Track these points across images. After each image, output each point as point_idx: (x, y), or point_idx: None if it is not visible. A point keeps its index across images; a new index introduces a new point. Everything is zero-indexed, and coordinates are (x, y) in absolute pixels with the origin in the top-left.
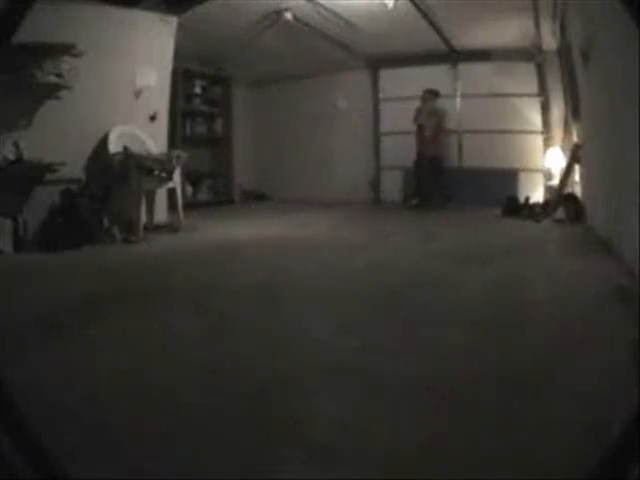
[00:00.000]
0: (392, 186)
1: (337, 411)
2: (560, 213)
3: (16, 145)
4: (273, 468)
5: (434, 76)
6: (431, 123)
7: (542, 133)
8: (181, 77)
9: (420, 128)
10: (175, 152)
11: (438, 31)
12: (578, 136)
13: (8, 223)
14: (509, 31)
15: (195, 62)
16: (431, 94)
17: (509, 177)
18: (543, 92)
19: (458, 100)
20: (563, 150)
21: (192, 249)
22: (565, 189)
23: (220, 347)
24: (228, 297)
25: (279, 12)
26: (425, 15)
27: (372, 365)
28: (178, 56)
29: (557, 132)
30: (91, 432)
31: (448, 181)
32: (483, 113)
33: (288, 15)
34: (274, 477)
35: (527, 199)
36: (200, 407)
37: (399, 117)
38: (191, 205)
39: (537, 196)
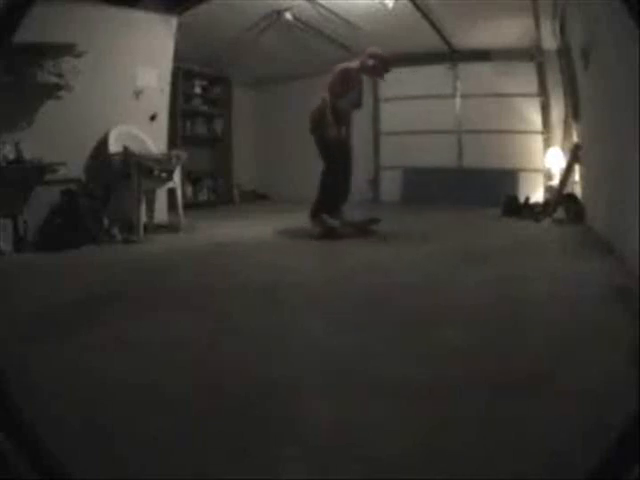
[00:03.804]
0: (391, 186)
1: (336, 411)
2: (560, 213)
3: (16, 145)
4: (272, 468)
5: (434, 76)
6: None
7: (542, 133)
8: (181, 77)
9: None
10: (175, 152)
11: (438, 31)
12: (578, 136)
13: (8, 223)
14: (509, 31)
15: (195, 62)
16: (381, 60)
17: (509, 177)
18: (543, 92)
19: (458, 100)
20: (563, 150)
21: (192, 249)
22: (565, 189)
23: (220, 347)
24: (228, 297)
25: (279, 12)
26: (425, 15)
27: (370, 365)
28: (178, 56)
29: (557, 132)
30: (91, 432)
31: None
32: (483, 113)
33: (288, 15)
34: (274, 477)
35: (527, 199)
36: (199, 407)
37: (399, 117)
38: (191, 205)
39: (537, 196)
